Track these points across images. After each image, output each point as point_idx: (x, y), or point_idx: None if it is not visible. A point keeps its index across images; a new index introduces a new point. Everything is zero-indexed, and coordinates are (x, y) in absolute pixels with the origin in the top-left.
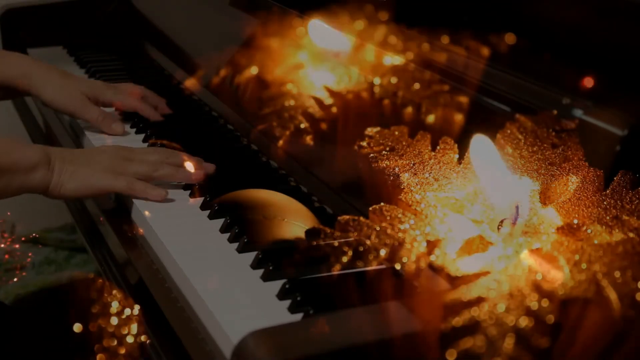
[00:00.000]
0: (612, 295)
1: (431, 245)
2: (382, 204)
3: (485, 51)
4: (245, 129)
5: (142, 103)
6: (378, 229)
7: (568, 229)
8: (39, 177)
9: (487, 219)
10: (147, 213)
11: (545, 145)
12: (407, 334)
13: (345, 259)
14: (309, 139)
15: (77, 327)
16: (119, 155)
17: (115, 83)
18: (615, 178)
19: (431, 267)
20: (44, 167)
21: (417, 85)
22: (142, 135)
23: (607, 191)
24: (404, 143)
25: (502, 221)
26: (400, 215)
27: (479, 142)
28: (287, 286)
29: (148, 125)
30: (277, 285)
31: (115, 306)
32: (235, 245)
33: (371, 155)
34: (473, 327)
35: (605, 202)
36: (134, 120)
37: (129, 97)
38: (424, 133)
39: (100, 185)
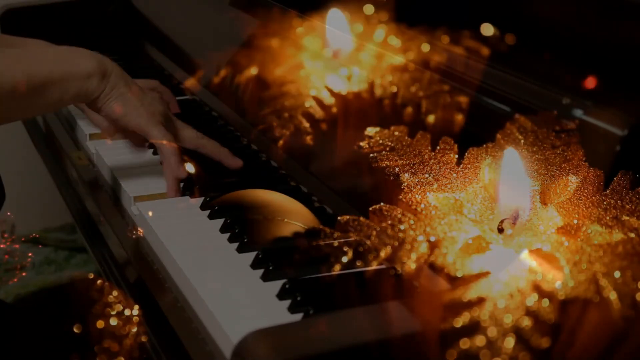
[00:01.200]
0: (612, 295)
1: (431, 245)
2: (382, 204)
3: (485, 51)
4: (245, 129)
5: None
6: (378, 229)
7: (568, 229)
8: (94, 85)
9: (487, 219)
10: (147, 213)
11: (545, 145)
12: (407, 334)
13: (345, 259)
14: (309, 139)
15: (77, 327)
16: (166, 114)
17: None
18: (615, 178)
19: (431, 267)
20: (99, 75)
21: (417, 85)
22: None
23: (607, 191)
24: (404, 143)
25: (502, 221)
26: (400, 215)
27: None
28: (287, 286)
29: None
30: (277, 285)
31: (115, 306)
32: (235, 245)
33: (371, 155)
34: (473, 327)
35: (605, 202)
36: None
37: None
38: (424, 133)
39: (140, 122)
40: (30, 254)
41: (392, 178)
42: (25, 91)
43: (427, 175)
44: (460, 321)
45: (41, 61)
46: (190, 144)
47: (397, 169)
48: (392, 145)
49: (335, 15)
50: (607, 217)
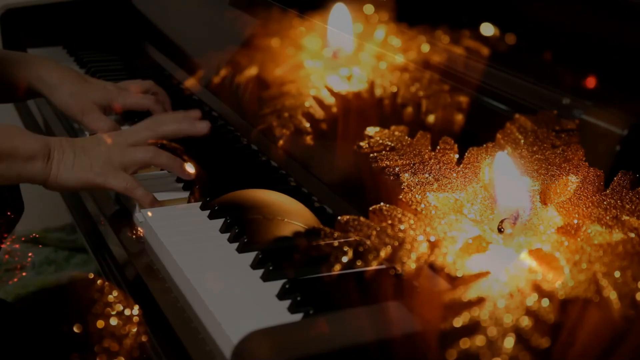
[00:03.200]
0: (612, 295)
1: (431, 245)
2: (382, 204)
3: (485, 51)
4: (245, 129)
5: (154, 102)
6: (378, 229)
7: (568, 229)
8: (38, 167)
9: (487, 219)
10: (147, 213)
11: (545, 145)
12: (407, 334)
13: (345, 259)
14: (309, 139)
15: (77, 327)
16: (116, 144)
17: (124, 80)
18: (615, 178)
19: (431, 267)
20: (44, 158)
21: (417, 85)
22: None
23: (607, 191)
24: (404, 143)
25: (502, 221)
26: (400, 215)
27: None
28: (287, 286)
29: None
30: (277, 285)
31: (115, 306)
32: (235, 245)
33: (371, 155)
34: (473, 327)
35: (605, 202)
36: (133, 120)
37: (141, 97)
38: (424, 133)
39: (99, 182)
40: (30, 254)
41: (392, 178)
42: None
43: (427, 175)
44: (460, 321)
45: None
46: (144, 162)
47: (397, 169)
48: (392, 145)
49: (337, 14)
50: (607, 217)
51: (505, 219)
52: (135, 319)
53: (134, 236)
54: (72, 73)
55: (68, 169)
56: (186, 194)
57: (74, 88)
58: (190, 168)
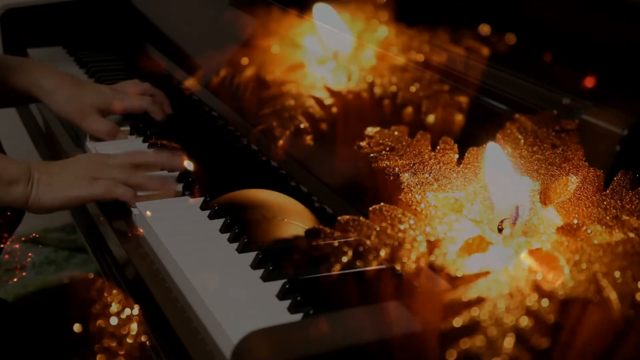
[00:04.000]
0: (612, 295)
1: (431, 246)
2: (382, 204)
3: (485, 51)
4: (245, 129)
5: (151, 104)
6: (378, 229)
7: (568, 229)
8: (19, 191)
9: (487, 219)
10: (147, 213)
11: (545, 145)
12: (407, 334)
13: (345, 259)
14: (309, 139)
15: (77, 327)
16: (94, 161)
17: (121, 81)
18: (615, 178)
19: (431, 267)
20: (24, 182)
21: (417, 85)
22: (142, 137)
23: (607, 191)
24: (404, 143)
25: (502, 221)
26: (400, 215)
27: (481, 144)
28: (287, 286)
29: (148, 125)
30: (277, 285)
31: (115, 306)
32: (235, 245)
33: (371, 155)
34: (473, 327)
35: (605, 202)
36: (133, 120)
37: (138, 99)
38: (424, 133)
39: (77, 194)
40: (30, 254)
41: (392, 178)
42: None
43: (427, 175)
44: (460, 321)
45: None
46: (121, 180)
47: (397, 169)
48: (392, 145)
49: (329, 14)
50: (607, 217)
51: (505, 219)
52: (135, 319)
53: (134, 236)
54: (68, 77)
55: (47, 188)
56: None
57: (70, 92)
58: (190, 168)
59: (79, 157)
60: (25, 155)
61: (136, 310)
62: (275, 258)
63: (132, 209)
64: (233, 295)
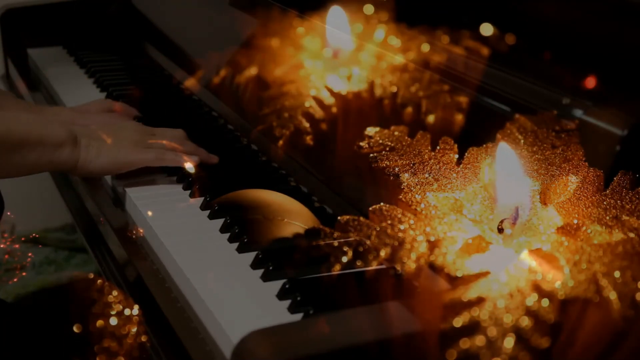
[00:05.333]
0: (612, 295)
1: (431, 245)
2: (382, 204)
3: (485, 51)
4: (245, 129)
5: (115, 118)
6: (378, 229)
7: (568, 229)
8: (67, 154)
9: (487, 219)
10: (147, 213)
11: (545, 145)
12: (407, 334)
13: (345, 259)
14: (309, 139)
15: (77, 327)
16: (142, 130)
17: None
18: (615, 178)
19: (431, 267)
20: (71, 144)
21: (417, 85)
22: None
23: (607, 191)
24: (404, 143)
25: (502, 221)
26: (400, 215)
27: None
28: (287, 286)
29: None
30: (277, 285)
31: (115, 306)
32: (235, 245)
33: (371, 155)
34: (473, 327)
35: (605, 202)
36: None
37: (102, 117)
38: (424, 133)
39: (129, 160)
40: (30, 254)
41: (392, 178)
42: (3, 147)
43: (427, 175)
44: (460, 321)
45: (19, 121)
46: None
47: (397, 169)
48: (392, 145)
49: (335, 15)
50: (607, 217)
51: (505, 219)
52: (135, 319)
53: (134, 236)
54: (24, 105)
55: (96, 155)
56: (186, 194)
57: (29, 118)
58: (190, 168)
59: (126, 124)
60: None
61: (136, 310)
62: (275, 258)
63: (132, 209)
64: (233, 295)
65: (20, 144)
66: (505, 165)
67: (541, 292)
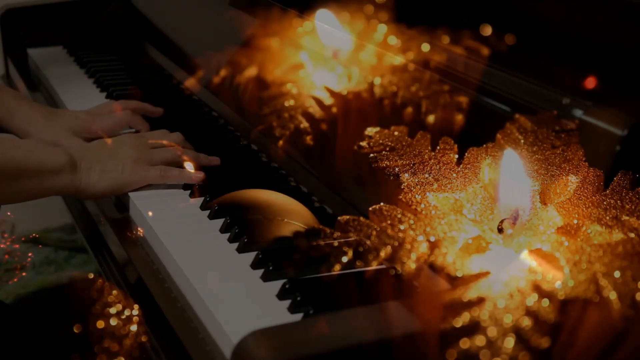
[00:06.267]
0: (612, 295)
1: (431, 246)
2: (382, 204)
3: (485, 51)
4: (245, 129)
5: (131, 116)
6: (378, 229)
7: (568, 229)
8: (67, 180)
9: (487, 219)
10: (147, 213)
11: (545, 145)
12: (407, 334)
13: (345, 259)
14: (309, 139)
15: (77, 327)
16: (142, 144)
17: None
18: (615, 178)
19: (431, 267)
20: (71, 170)
21: (417, 85)
22: None
23: (607, 191)
24: (404, 143)
25: (502, 221)
26: (400, 216)
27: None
28: (287, 286)
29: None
30: (277, 285)
31: (115, 306)
32: (235, 245)
33: (371, 155)
34: (473, 327)
35: (605, 202)
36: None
37: (116, 116)
38: (424, 133)
39: (132, 180)
40: (30, 254)
41: (392, 178)
42: (1, 175)
43: (427, 175)
44: (460, 321)
45: (16, 147)
46: (173, 160)
47: (397, 169)
48: (392, 145)
49: (335, 15)
50: (607, 217)
51: (505, 219)
52: (135, 319)
53: (134, 236)
54: (42, 109)
55: (98, 179)
56: (186, 194)
57: (43, 122)
58: (190, 168)
59: (123, 140)
60: None
61: (136, 310)
62: (275, 258)
63: (132, 209)
64: (233, 295)
65: (18, 171)
66: (506, 166)
67: (541, 292)
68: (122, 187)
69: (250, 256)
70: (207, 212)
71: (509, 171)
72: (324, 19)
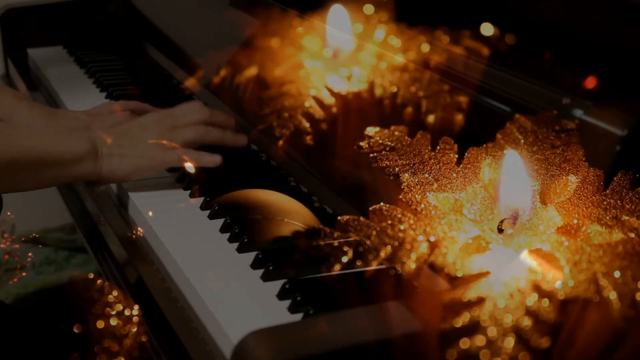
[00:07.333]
0: (612, 295)
1: (431, 245)
2: (382, 204)
3: (485, 51)
4: (245, 129)
5: (132, 117)
6: (378, 229)
7: (568, 229)
8: (89, 167)
9: (487, 219)
10: (147, 213)
11: (545, 145)
12: (407, 334)
13: (345, 259)
14: (309, 139)
15: (77, 327)
16: (164, 126)
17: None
18: (615, 178)
19: (431, 267)
20: (92, 157)
21: (417, 85)
22: None
23: (607, 191)
24: (404, 143)
25: (502, 221)
26: (400, 215)
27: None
28: (287, 286)
29: None
30: (277, 285)
31: (115, 306)
32: (235, 245)
33: (371, 155)
34: (473, 327)
35: (605, 202)
36: None
37: (116, 117)
38: (424, 133)
39: (153, 164)
40: (30, 254)
41: (392, 178)
42: (19, 165)
43: (427, 175)
44: (460, 321)
45: (35, 137)
46: (195, 141)
47: (397, 169)
48: (392, 145)
49: (336, 14)
50: (607, 217)
51: (505, 219)
52: (135, 319)
53: (134, 236)
54: (43, 110)
55: (119, 163)
56: (186, 194)
57: (44, 123)
58: (190, 168)
59: (144, 122)
60: None
61: (136, 310)
62: (275, 258)
63: (132, 209)
64: (233, 295)
65: (38, 161)
66: (506, 165)
67: (541, 292)
68: (143, 171)
69: (250, 256)
70: (207, 212)
71: (509, 171)
72: (324, 19)
